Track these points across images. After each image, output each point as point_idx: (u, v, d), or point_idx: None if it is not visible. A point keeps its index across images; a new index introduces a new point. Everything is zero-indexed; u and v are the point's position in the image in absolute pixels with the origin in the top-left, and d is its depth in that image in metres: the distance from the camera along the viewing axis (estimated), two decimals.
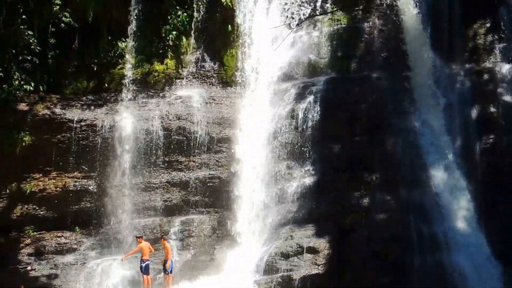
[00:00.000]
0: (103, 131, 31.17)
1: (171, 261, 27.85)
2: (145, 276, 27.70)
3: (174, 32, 33.07)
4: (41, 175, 31.12)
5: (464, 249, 28.00)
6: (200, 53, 33.78)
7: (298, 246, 27.68)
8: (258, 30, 33.63)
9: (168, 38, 33.07)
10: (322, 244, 27.71)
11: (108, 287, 29.06)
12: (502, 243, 28.20)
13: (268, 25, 32.89)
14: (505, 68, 32.80)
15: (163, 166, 31.47)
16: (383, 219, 28.09)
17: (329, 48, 33.12)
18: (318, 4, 33.38)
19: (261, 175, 30.67)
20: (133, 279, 29.19)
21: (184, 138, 31.46)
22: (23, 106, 31.08)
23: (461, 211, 29.42)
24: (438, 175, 30.16)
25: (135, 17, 32.56)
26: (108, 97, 32.44)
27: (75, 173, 31.21)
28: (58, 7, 31.33)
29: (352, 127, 30.51)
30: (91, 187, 31.12)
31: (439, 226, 28.51)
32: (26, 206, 30.97)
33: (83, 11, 31.85)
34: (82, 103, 31.86)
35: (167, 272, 27.79)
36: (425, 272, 26.77)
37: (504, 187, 30.07)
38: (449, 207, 29.41)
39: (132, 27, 32.60)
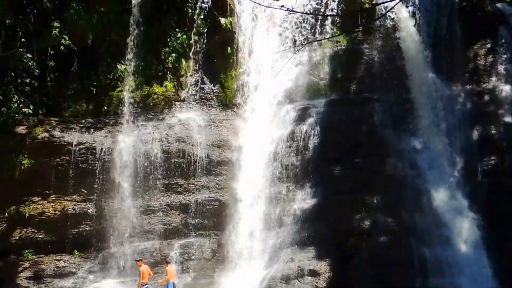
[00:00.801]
0: (102, 154, 31.02)
1: (170, 283, 27.59)
2: None
3: (173, 55, 33.02)
4: (40, 198, 30.98)
5: (466, 271, 27.79)
6: (199, 76, 33.70)
7: (299, 269, 27.57)
8: (258, 52, 33.59)
9: (167, 60, 33.03)
10: (323, 267, 27.57)
11: None
12: (505, 265, 27.96)
13: (268, 47, 32.90)
14: (505, 89, 32.74)
15: (162, 189, 31.31)
16: (384, 242, 27.92)
17: (329, 70, 33.07)
18: (318, 27, 33.32)
19: (262, 198, 30.49)
20: None
21: (184, 160, 31.31)
22: (22, 129, 30.98)
23: (463, 233, 29.23)
24: (440, 197, 29.97)
25: (134, 39, 32.56)
26: (107, 120, 32.32)
27: (74, 196, 31.02)
28: (57, 30, 31.33)
29: (353, 149, 30.40)
30: (90, 210, 30.90)
31: (441, 249, 28.33)
32: (25, 230, 30.81)
33: (82, 34, 31.87)
34: (81, 126, 31.73)
35: None
36: None
37: (506, 208, 29.89)
38: (451, 229, 29.23)
39: (131, 50, 32.60)
